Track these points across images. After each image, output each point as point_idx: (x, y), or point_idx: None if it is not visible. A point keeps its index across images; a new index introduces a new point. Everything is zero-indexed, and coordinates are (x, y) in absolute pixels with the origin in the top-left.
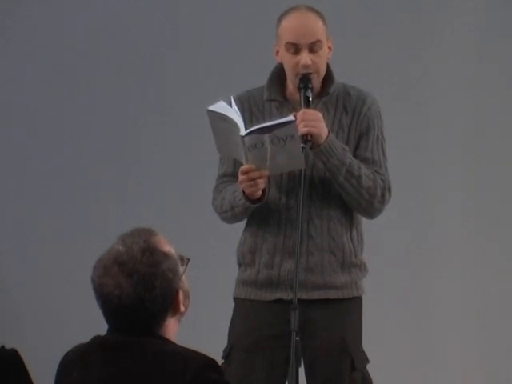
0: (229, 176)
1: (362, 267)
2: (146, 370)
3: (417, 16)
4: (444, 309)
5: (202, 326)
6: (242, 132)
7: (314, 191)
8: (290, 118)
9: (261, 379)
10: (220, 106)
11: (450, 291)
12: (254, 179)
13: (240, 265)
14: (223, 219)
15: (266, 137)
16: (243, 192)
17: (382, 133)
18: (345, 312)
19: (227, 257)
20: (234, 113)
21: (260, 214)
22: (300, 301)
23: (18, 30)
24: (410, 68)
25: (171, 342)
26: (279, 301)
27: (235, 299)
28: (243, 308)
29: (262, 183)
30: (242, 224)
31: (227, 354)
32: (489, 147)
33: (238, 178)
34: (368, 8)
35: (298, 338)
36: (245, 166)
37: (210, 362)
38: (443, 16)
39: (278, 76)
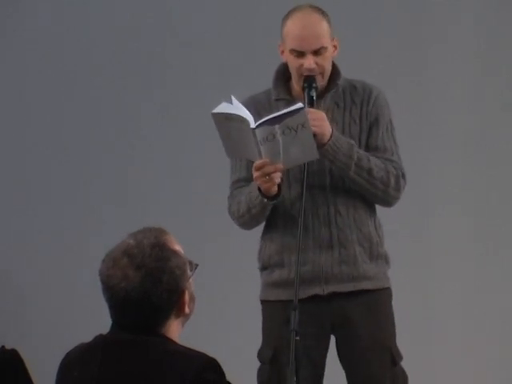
0: (243, 181)
1: (387, 258)
2: (147, 369)
3: (417, 17)
4: (443, 309)
5: (202, 326)
6: (252, 125)
7: (337, 183)
8: (299, 105)
9: (305, 379)
10: (223, 107)
11: (449, 292)
12: (268, 174)
13: (265, 268)
14: (241, 225)
15: (277, 128)
16: (259, 190)
17: (390, 120)
18: (379, 306)
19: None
20: (239, 108)
21: (284, 213)
22: (336, 294)
23: (17, 28)
24: (410, 69)
25: (173, 342)
26: (314, 297)
27: (264, 302)
28: (276, 310)
29: (277, 178)
30: (254, 230)
31: (271, 358)
32: (489, 148)
33: (252, 181)
34: (368, 8)
35: (297, 338)
36: (259, 161)
37: (210, 362)
38: (444, 17)
39: (283, 75)
